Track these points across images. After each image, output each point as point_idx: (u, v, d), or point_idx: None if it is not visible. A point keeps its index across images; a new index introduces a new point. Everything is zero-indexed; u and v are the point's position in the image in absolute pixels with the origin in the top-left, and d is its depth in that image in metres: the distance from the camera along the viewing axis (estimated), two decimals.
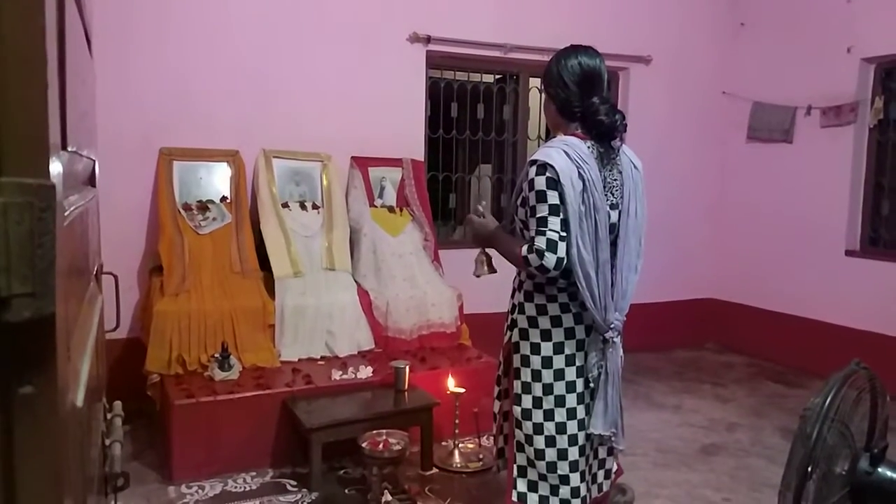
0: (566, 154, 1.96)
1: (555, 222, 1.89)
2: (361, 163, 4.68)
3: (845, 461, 1.76)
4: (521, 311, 2.13)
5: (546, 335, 2.08)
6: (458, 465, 3.57)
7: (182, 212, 4.05)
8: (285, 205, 4.31)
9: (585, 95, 2.04)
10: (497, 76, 5.54)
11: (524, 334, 2.12)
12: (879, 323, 4.77)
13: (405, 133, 4.94)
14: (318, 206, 4.42)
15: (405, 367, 3.69)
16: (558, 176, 1.91)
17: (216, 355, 3.63)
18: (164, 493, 3.22)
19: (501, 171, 5.65)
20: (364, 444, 3.22)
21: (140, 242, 4.19)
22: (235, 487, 3.30)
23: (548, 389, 2.07)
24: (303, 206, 4.37)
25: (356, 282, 4.31)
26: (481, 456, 3.67)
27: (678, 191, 6.03)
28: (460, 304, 4.49)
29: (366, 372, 3.79)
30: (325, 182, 4.48)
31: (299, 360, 3.95)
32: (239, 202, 4.21)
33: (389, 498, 3.07)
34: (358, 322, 4.17)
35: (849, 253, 5.18)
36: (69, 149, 0.93)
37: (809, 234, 5.42)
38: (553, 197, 1.91)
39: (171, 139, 4.18)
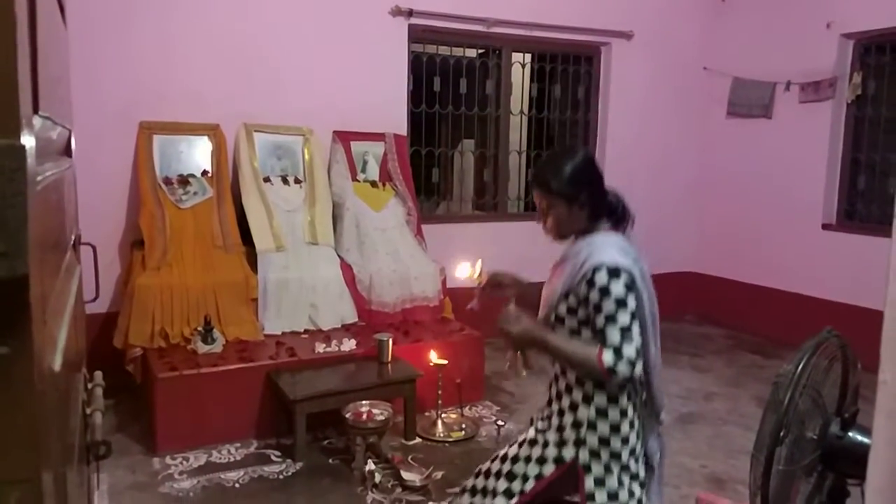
0: (625, 253, 1.88)
1: (637, 329, 1.80)
2: (344, 137, 4.65)
3: (816, 426, 1.81)
4: (593, 428, 1.89)
5: (616, 457, 1.90)
6: (441, 435, 3.62)
7: (163, 186, 4.02)
8: (267, 179, 4.29)
9: (605, 190, 2.01)
10: (480, 51, 5.51)
11: (595, 455, 1.89)
12: (854, 295, 4.86)
13: (388, 107, 4.91)
14: (301, 181, 4.40)
15: (388, 340, 3.72)
16: (633, 281, 1.84)
17: (199, 329, 3.63)
18: (148, 465, 3.24)
19: (484, 146, 5.64)
20: (348, 415, 3.26)
21: (120, 216, 4.15)
22: (220, 458, 3.32)
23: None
24: (285, 181, 4.35)
25: (339, 256, 4.32)
26: (464, 425, 3.72)
27: (658, 166, 6.06)
28: (443, 278, 4.51)
29: (349, 345, 3.81)
30: (306, 156, 4.45)
31: (283, 333, 3.96)
32: (220, 176, 4.18)
33: (373, 467, 3.11)
34: (341, 296, 4.18)
35: (825, 227, 5.26)
36: (41, 114, 0.92)
37: (787, 208, 5.49)
38: (632, 302, 1.81)
39: (150, 112, 4.13)
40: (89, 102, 3.79)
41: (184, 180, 4.07)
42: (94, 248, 1.56)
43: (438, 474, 3.21)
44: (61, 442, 0.95)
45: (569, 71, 5.77)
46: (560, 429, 1.91)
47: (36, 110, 0.87)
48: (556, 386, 1.97)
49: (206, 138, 4.22)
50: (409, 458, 3.37)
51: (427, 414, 3.78)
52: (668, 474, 3.26)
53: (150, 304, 3.63)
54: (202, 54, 4.29)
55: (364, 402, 3.36)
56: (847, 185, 5.25)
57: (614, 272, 1.80)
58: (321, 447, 3.47)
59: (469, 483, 2.07)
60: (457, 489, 2.21)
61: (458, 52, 5.33)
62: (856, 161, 5.21)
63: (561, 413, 1.92)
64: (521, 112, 5.69)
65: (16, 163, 0.60)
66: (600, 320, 1.80)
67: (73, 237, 1.39)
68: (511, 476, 1.96)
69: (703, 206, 6.23)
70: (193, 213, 4.01)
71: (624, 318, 1.78)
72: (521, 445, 1.99)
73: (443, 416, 3.72)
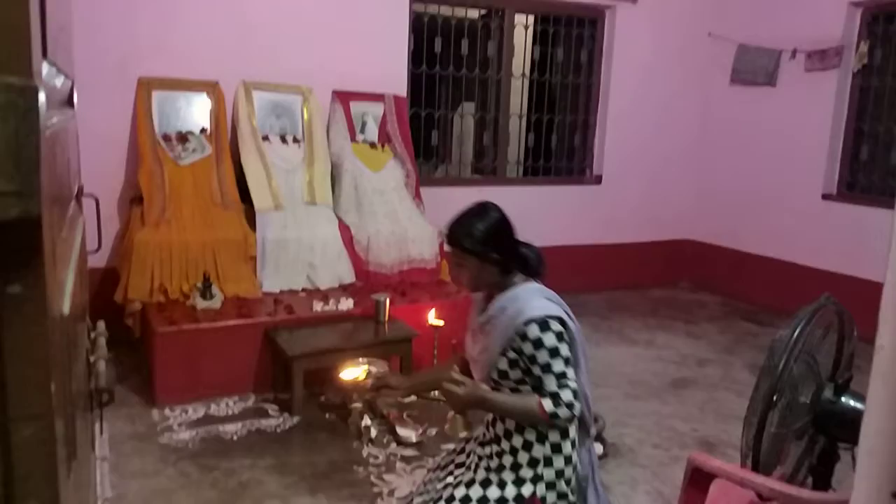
0: (550, 300, 2.01)
1: (571, 373, 1.93)
2: (343, 97, 4.61)
3: (810, 391, 1.84)
4: (549, 464, 2.02)
5: (567, 482, 2.06)
6: (437, 393, 3.65)
7: (161, 142, 3.99)
8: (265, 138, 4.26)
9: (518, 243, 2.10)
10: (482, 11, 5.43)
11: (551, 486, 2.03)
12: (852, 265, 4.88)
13: (388, 68, 4.85)
14: (299, 140, 4.38)
15: (385, 300, 3.74)
16: (563, 323, 1.96)
17: (198, 285, 3.65)
18: (147, 416, 3.28)
19: (484, 109, 5.59)
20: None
21: (119, 172, 4.13)
22: (218, 411, 3.37)
23: None
24: (283, 140, 4.32)
25: (337, 216, 4.31)
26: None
27: (658, 132, 6.04)
28: (441, 240, 4.52)
29: (347, 304, 3.83)
30: (305, 116, 4.41)
31: (280, 291, 3.98)
32: (219, 134, 4.15)
33: (369, 423, 3.16)
34: (339, 256, 4.19)
35: (825, 197, 5.26)
36: (49, 59, 0.92)
37: (787, 177, 5.48)
38: (564, 350, 1.93)
39: (149, 68, 4.08)
40: (88, 55, 3.73)
41: (182, 137, 4.04)
42: (96, 199, 1.56)
43: (433, 430, 3.26)
44: (70, 385, 0.97)
45: (572, 34, 5.70)
46: (515, 467, 2.02)
47: (45, 55, 0.87)
48: (494, 428, 2.06)
49: (204, 95, 4.18)
50: (405, 414, 3.41)
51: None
52: (660, 437, 3.34)
53: (149, 260, 3.63)
54: (202, 9, 4.22)
55: (361, 359, 3.39)
56: (849, 156, 5.23)
57: (544, 325, 1.92)
58: (318, 403, 3.52)
59: None
60: None
61: (459, 12, 5.25)
62: (859, 131, 5.18)
63: (514, 451, 2.03)
64: (523, 75, 5.63)
65: (29, 102, 0.60)
66: (536, 370, 1.92)
67: (76, 188, 1.38)
68: None
69: (702, 174, 6.21)
70: (192, 171, 3.99)
71: (559, 366, 1.91)
72: (468, 486, 2.03)
73: None
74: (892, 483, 0.93)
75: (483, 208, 2.05)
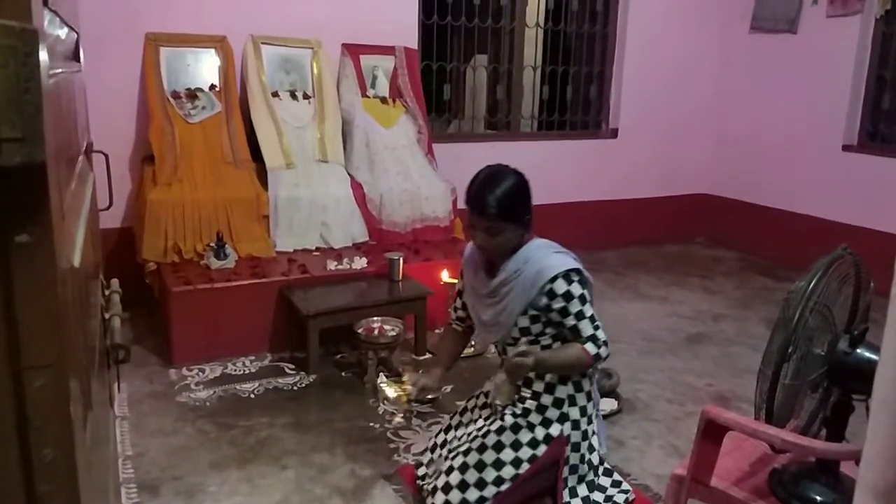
0: (560, 253, 2.11)
1: (596, 313, 2.09)
2: (353, 50, 4.54)
3: (825, 343, 1.82)
4: (573, 403, 2.17)
5: (589, 419, 2.22)
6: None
7: (171, 100, 3.96)
8: (275, 94, 4.22)
9: None
10: None
11: (576, 425, 2.18)
12: (871, 218, 4.80)
13: (398, 18, 4.75)
14: (309, 96, 4.33)
15: (399, 259, 3.74)
16: (580, 270, 2.08)
17: (211, 244, 3.66)
18: (165, 376, 3.33)
19: (497, 61, 5.49)
20: (360, 330, 3.32)
21: (130, 130, 4.11)
22: (235, 370, 3.41)
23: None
24: (293, 96, 4.27)
25: (349, 174, 4.29)
26: (473, 342, 3.77)
27: (676, 84, 5.91)
28: (454, 198, 4.49)
29: (360, 263, 3.84)
30: (315, 70, 4.36)
31: (294, 250, 3.98)
32: (228, 91, 4.11)
33: (384, 380, 3.18)
34: (352, 214, 4.18)
35: (846, 148, 5.15)
36: (50, 7, 0.90)
37: (807, 128, 5.36)
38: (588, 294, 2.08)
39: (156, 23, 4.02)
40: (94, 11, 3.68)
41: (192, 94, 4.01)
42: (106, 156, 1.55)
43: (448, 388, 3.28)
44: (83, 338, 0.97)
45: None
46: (541, 409, 2.13)
47: (45, 3, 0.85)
48: None
49: (213, 51, 4.13)
50: (420, 371, 3.44)
51: (437, 331, 3.83)
52: (674, 392, 3.35)
53: (162, 220, 3.64)
54: None
55: (376, 318, 3.41)
56: (871, 105, 5.10)
57: (568, 278, 2.03)
58: (334, 361, 3.55)
59: (440, 481, 2.12)
60: (427, 476, 2.27)
61: None
62: (881, 79, 5.05)
63: (536, 396, 2.15)
64: (537, 25, 5.51)
65: (29, 46, 0.58)
66: (570, 320, 2.04)
67: (84, 143, 1.37)
68: (499, 464, 2.09)
69: (720, 126, 6.09)
70: (202, 128, 3.97)
71: (588, 310, 2.05)
72: (498, 433, 2.11)
73: None
74: None
75: (505, 173, 2.09)
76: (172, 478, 2.54)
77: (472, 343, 3.74)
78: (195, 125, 3.96)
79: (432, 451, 2.34)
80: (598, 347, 2.04)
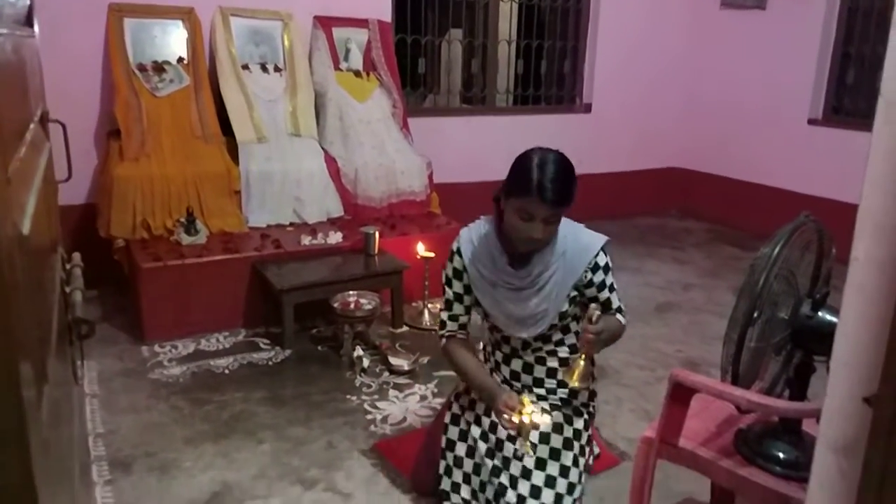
0: (583, 226, 2.07)
1: None
2: (325, 23, 4.46)
3: (788, 307, 1.85)
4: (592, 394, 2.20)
5: (593, 395, 2.22)
6: (428, 324, 3.70)
7: (137, 73, 3.87)
8: (245, 66, 4.14)
9: None
10: None
11: (589, 411, 2.18)
12: (836, 190, 4.87)
13: None
14: (280, 69, 4.26)
15: (375, 233, 3.73)
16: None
17: (182, 220, 3.61)
18: (137, 353, 3.30)
19: (472, 35, 5.44)
20: (336, 304, 3.31)
21: (94, 104, 4.02)
22: (209, 346, 3.39)
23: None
24: (264, 69, 4.20)
25: (322, 148, 4.24)
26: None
27: (648, 60, 5.92)
28: (430, 172, 4.47)
29: (336, 237, 3.82)
30: (286, 43, 4.29)
31: (267, 226, 3.95)
32: (197, 63, 4.03)
33: (361, 353, 3.19)
34: (326, 189, 4.14)
35: (811, 121, 5.24)
36: None
37: (775, 103, 5.43)
38: None
39: None
40: None
41: (159, 67, 3.93)
42: (63, 126, 1.51)
43: (425, 359, 3.30)
44: (38, 310, 0.95)
45: None
46: (567, 402, 2.08)
47: None
48: (520, 380, 2.10)
49: (180, 23, 4.03)
50: (397, 345, 3.45)
51: (414, 304, 3.84)
52: (645, 358, 3.40)
53: (130, 196, 3.58)
54: None
55: (351, 292, 3.40)
56: (836, 80, 5.17)
57: (605, 248, 2.01)
58: (309, 336, 3.55)
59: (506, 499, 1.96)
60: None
61: None
62: (846, 55, 5.11)
63: (551, 391, 2.08)
64: None
65: None
66: (605, 293, 2.01)
67: (38, 111, 1.34)
68: (565, 470, 2.00)
69: (691, 101, 6.12)
70: (171, 102, 3.89)
71: (615, 281, 2.05)
72: (544, 441, 2.00)
73: (429, 306, 3.79)
74: (863, 389, 0.94)
75: (560, 156, 1.93)
76: (146, 454, 2.53)
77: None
78: (163, 99, 3.88)
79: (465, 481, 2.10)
80: (625, 316, 2.05)
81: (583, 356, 1.85)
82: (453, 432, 2.12)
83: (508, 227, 1.93)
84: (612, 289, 2.03)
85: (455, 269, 2.08)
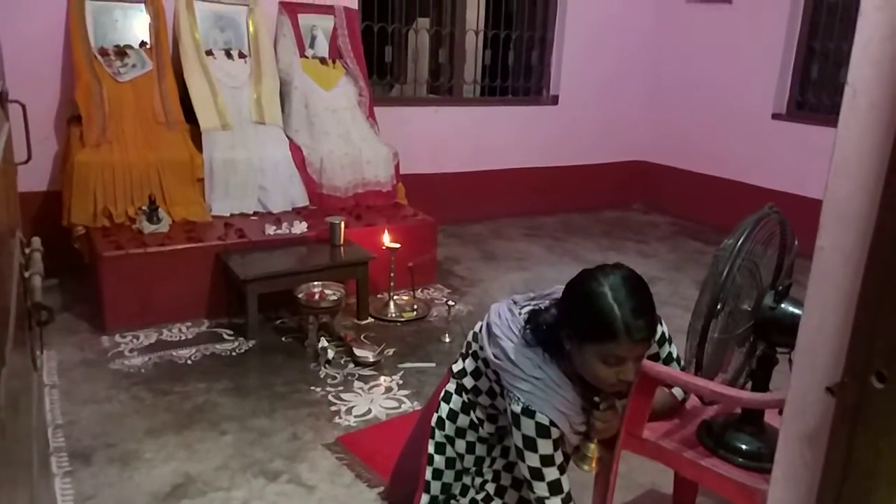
0: None
1: None
2: (290, 9, 4.40)
3: (752, 298, 1.89)
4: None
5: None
6: (394, 315, 3.69)
7: (98, 57, 3.77)
8: (209, 52, 4.07)
9: None
10: None
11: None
12: (799, 185, 4.99)
13: None
14: (245, 55, 4.19)
15: (340, 223, 3.70)
16: None
17: (144, 208, 3.54)
18: (97, 343, 3.23)
19: (440, 24, 5.43)
20: (300, 295, 3.28)
21: (54, 89, 3.90)
22: (171, 337, 3.33)
23: None
24: (228, 55, 4.13)
25: (287, 137, 4.19)
26: (416, 306, 3.79)
27: (615, 52, 5.97)
28: (396, 162, 4.45)
29: (300, 227, 3.78)
30: (251, 28, 4.22)
31: (231, 214, 3.89)
32: (160, 48, 3.94)
33: (326, 344, 3.17)
34: (291, 178, 4.09)
35: (775, 116, 5.32)
36: None
37: (739, 97, 5.51)
38: None
39: None
40: None
41: (121, 52, 3.83)
42: (23, 106, 1.46)
43: (390, 351, 3.29)
44: None
45: None
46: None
47: None
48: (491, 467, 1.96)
49: (142, 7, 3.94)
50: (362, 336, 3.44)
51: (380, 296, 3.83)
52: None
53: (90, 183, 3.49)
54: None
55: (316, 283, 3.37)
56: (800, 75, 5.27)
57: (659, 319, 1.81)
58: (273, 327, 3.51)
59: None
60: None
61: None
62: (811, 49, 5.21)
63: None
64: None
65: None
66: (666, 347, 1.88)
67: None
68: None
69: (657, 95, 6.20)
70: (133, 88, 3.80)
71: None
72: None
73: (395, 297, 3.78)
74: (826, 378, 0.96)
75: (639, 280, 1.70)
76: (106, 445, 2.48)
77: (415, 307, 3.76)
78: (125, 84, 3.79)
79: None
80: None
81: (594, 441, 1.77)
82: (440, 461, 1.98)
83: (590, 376, 1.66)
84: (670, 341, 1.90)
85: (555, 442, 1.72)
